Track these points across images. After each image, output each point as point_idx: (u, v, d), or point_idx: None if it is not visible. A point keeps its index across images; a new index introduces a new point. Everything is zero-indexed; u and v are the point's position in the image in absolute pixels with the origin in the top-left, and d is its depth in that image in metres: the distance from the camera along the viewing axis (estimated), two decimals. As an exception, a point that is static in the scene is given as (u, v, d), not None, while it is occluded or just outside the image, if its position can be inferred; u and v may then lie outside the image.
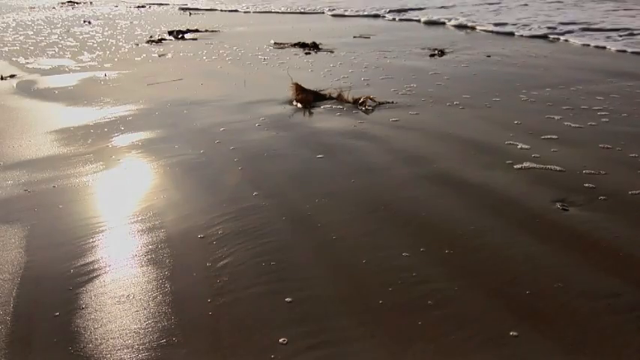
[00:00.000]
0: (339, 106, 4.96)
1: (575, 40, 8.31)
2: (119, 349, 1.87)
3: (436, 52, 7.60)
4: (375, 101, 4.95)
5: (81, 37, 11.01)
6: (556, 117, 4.36)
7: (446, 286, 2.17)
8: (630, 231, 2.56)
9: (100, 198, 3.15)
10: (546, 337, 1.87)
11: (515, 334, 1.89)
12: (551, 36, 8.76)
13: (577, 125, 4.13)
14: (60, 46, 9.81)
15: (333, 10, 14.60)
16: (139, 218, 2.83)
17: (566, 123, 4.19)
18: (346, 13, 13.90)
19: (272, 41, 9.35)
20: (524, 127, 4.13)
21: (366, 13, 13.65)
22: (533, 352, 1.81)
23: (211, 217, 2.80)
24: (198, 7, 18.06)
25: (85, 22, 14.02)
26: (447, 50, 7.72)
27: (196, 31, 11.24)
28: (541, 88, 5.33)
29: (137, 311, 2.07)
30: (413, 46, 8.21)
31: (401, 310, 2.04)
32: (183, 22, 12.93)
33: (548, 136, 3.89)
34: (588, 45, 7.94)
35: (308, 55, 7.91)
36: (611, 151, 3.58)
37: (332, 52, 8.10)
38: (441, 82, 5.85)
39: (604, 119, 4.27)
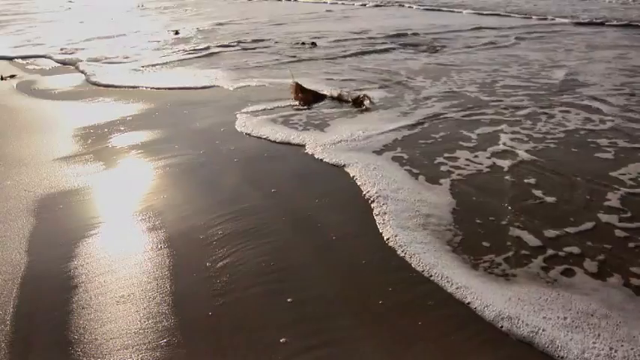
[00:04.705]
0: (338, 106, 4.96)
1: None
2: (119, 349, 1.87)
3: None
4: (372, 101, 4.94)
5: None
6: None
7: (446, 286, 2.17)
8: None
9: (100, 198, 3.15)
10: (546, 337, 1.87)
11: (515, 334, 1.89)
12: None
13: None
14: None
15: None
16: (139, 218, 2.83)
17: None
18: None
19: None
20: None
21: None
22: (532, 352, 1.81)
23: (211, 218, 2.80)
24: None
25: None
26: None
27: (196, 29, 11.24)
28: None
29: (137, 311, 2.07)
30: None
31: (401, 310, 2.04)
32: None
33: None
34: None
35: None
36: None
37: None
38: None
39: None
